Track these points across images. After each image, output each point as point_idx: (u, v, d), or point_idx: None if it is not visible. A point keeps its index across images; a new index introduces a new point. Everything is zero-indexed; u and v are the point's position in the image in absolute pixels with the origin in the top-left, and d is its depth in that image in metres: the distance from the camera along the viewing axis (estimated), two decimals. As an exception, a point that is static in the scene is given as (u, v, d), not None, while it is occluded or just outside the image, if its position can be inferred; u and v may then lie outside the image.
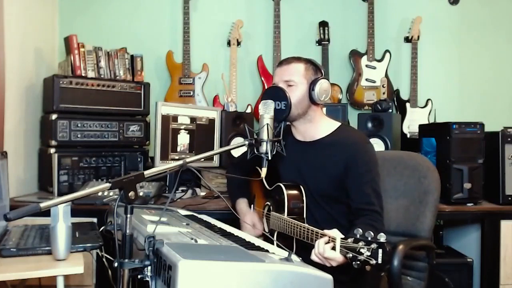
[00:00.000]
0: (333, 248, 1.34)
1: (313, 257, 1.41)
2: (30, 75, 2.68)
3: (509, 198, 2.37)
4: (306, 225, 1.54)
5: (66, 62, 2.66)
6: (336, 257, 1.34)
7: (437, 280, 2.35)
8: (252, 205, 2.00)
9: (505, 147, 2.37)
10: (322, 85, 1.70)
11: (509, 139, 2.38)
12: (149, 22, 3.25)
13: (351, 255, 1.27)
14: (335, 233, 1.36)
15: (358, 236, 1.27)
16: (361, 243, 1.25)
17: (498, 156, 2.37)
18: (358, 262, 1.24)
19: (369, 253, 1.22)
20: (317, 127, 1.77)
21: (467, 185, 2.33)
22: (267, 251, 1.33)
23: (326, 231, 1.41)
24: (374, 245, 1.22)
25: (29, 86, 2.65)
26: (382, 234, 1.23)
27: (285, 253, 1.26)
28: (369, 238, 1.24)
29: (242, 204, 1.99)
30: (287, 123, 1.80)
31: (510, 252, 2.35)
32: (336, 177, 1.69)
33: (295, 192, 1.74)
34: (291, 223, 1.62)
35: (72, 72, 2.58)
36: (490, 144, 2.39)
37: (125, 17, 3.23)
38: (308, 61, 1.76)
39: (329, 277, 1.13)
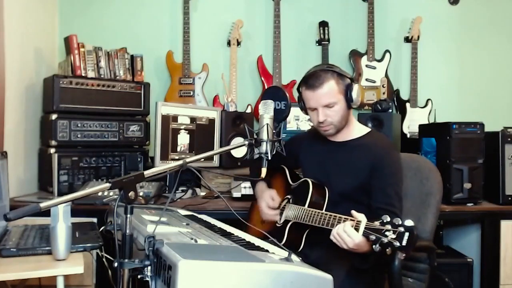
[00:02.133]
0: (356, 230, 1.37)
1: (334, 233, 1.44)
2: (30, 75, 2.68)
3: (509, 198, 2.37)
4: (329, 212, 1.56)
5: (66, 62, 2.66)
6: (355, 235, 1.36)
7: (437, 280, 2.35)
8: None
9: (505, 147, 2.37)
10: (355, 90, 1.71)
11: (509, 139, 2.38)
12: (149, 22, 3.25)
13: (374, 237, 1.29)
14: (361, 216, 1.39)
15: (384, 221, 1.30)
16: (388, 226, 1.27)
17: (498, 156, 2.37)
18: (379, 247, 1.26)
19: (394, 236, 1.25)
20: (350, 129, 1.81)
21: (467, 185, 2.33)
22: (267, 251, 1.33)
23: (353, 212, 1.43)
24: (401, 229, 1.25)
25: (29, 86, 2.65)
26: (409, 220, 1.25)
27: (285, 253, 1.26)
28: (396, 223, 1.27)
29: (261, 185, 2.01)
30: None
31: (510, 252, 2.35)
32: (361, 178, 1.71)
33: (319, 190, 1.76)
34: (312, 211, 1.64)
35: (72, 72, 2.58)
36: (490, 144, 2.39)
37: (125, 17, 3.23)
38: (333, 72, 1.72)
39: (329, 277, 1.13)
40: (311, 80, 1.73)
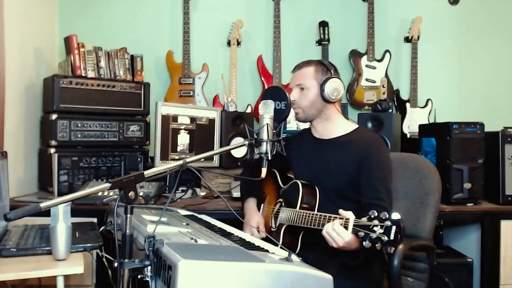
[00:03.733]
0: (345, 228, 1.38)
1: (324, 232, 1.45)
2: (30, 75, 2.68)
3: (509, 198, 2.37)
4: (319, 213, 1.57)
5: (66, 62, 2.66)
6: (345, 233, 1.37)
7: (437, 280, 2.35)
8: (262, 204, 2.00)
9: (505, 147, 2.37)
10: (332, 84, 1.76)
11: (509, 139, 2.38)
12: (149, 22, 3.25)
13: (362, 233, 1.29)
14: (349, 214, 1.40)
15: (372, 216, 1.30)
16: (375, 221, 1.27)
17: (498, 156, 2.37)
18: (369, 243, 1.26)
19: (382, 230, 1.25)
20: (334, 125, 1.83)
21: (467, 185, 2.33)
22: (267, 251, 1.33)
23: (341, 211, 1.44)
24: (388, 223, 1.25)
25: (29, 86, 2.64)
26: (396, 213, 1.26)
27: (285, 253, 1.26)
28: (383, 217, 1.27)
29: (250, 203, 2.01)
30: (307, 122, 1.88)
31: (510, 252, 2.35)
32: (350, 175, 1.72)
33: (310, 190, 1.76)
34: (303, 213, 1.64)
35: (72, 72, 2.58)
36: (490, 144, 2.39)
37: (125, 17, 3.23)
38: (318, 63, 1.82)
39: (329, 277, 1.13)
40: (296, 65, 1.87)
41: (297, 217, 1.67)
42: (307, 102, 1.78)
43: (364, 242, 1.29)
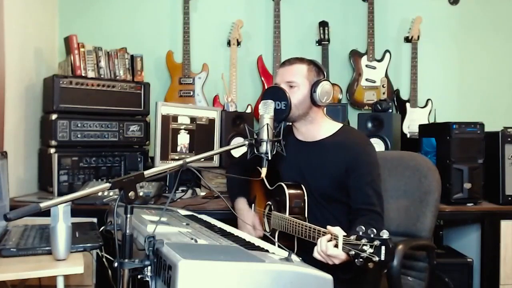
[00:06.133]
0: (336, 246, 1.34)
1: (316, 254, 1.40)
2: (30, 75, 2.68)
3: (509, 198, 2.37)
4: (308, 223, 1.54)
5: (66, 62, 2.66)
6: (339, 254, 1.33)
7: (437, 280, 2.35)
8: (253, 205, 2.00)
9: (505, 147, 2.37)
10: (324, 87, 1.71)
11: (509, 139, 2.38)
12: (149, 22, 3.25)
13: (353, 252, 1.26)
14: (338, 231, 1.36)
15: (360, 233, 1.27)
16: (363, 240, 1.24)
17: (498, 156, 2.37)
18: (361, 260, 1.24)
19: (371, 250, 1.22)
20: (318, 128, 1.78)
21: (467, 185, 2.33)
22: (267, 251, 1.33)
23: (329, 227, 1.40)
24: (377, 242, 1.22)
25: (29, 86, 2.65)
26: (384, 231, 1.22)
27: (285, 253, 1.25)
28: (372, 235, 1.23)
29: (241, 203, 1.98)
30: (288, 123, 1.82)
31: (510, 252, 2.35)
32: (337, 178, 1.69)
33: (296, 191, 1.73)
34: (293, 222, 1.62)
35: (72, 72, 2.58)
36: (490, 144, 2.39)
37: (125, 17, 3.23)
38: (311, 62, 1.76)
39: (329, 277, 1.13)
40: (286, 60, 1.78)
41: (287, 225, 1.65)
42: (295, 101, 1.69)
43: (356, 260, 1.25)
